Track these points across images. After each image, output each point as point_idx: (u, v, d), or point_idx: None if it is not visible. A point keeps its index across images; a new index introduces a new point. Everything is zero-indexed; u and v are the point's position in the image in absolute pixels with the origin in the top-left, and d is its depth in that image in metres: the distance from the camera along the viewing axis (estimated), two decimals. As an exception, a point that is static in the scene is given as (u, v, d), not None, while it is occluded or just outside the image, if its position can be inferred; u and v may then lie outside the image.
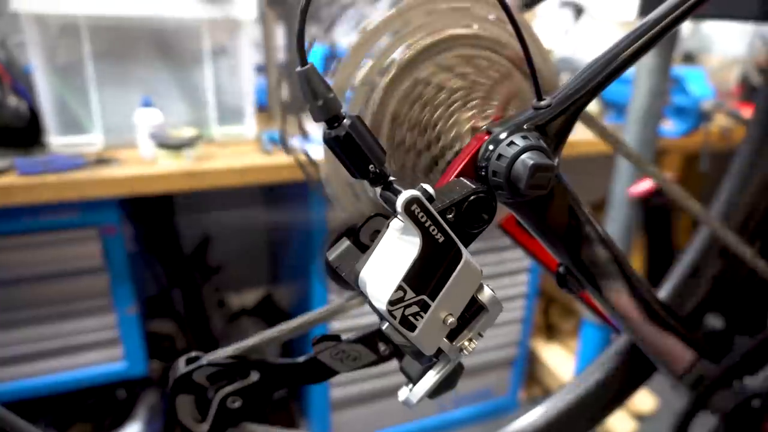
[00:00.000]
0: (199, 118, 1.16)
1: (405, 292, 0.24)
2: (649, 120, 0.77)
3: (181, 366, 0.39)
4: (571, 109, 0.31)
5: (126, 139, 1.09)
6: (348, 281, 0.27)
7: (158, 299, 1.51)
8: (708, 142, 1.34)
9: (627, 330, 0.42)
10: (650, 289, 0.40)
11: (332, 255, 0.27)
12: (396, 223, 0.27)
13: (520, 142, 0.29)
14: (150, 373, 1.28)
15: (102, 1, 0.99)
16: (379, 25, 0.32)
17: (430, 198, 0.26)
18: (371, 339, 0.36)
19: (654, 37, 0.31)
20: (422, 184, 0.26)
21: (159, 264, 1.46)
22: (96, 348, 1.13)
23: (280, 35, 1.37)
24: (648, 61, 0.73)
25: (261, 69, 1.40)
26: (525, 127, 0.30)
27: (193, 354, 0.39)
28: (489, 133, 0.31)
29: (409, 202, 0.24)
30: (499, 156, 0.29)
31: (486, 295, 0.26)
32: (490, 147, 0.30)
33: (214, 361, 0.38)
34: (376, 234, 0.30)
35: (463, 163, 0.30)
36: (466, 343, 0.26)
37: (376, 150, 0.25)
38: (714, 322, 0.53)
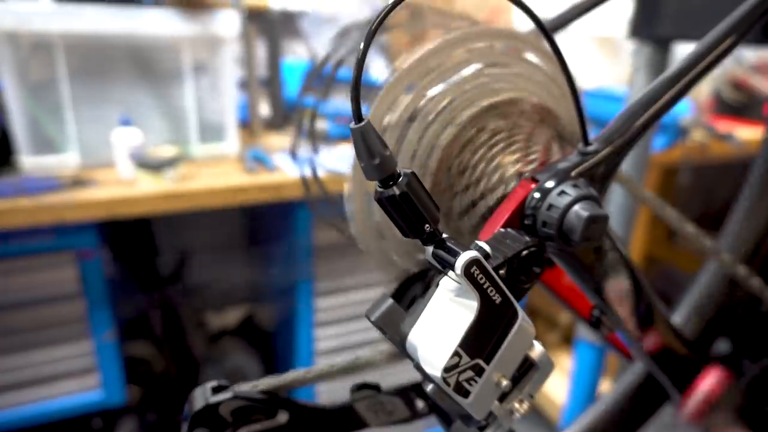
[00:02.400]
0: (179, 136, 1.13)
1: (460, 357, 0.22)
2: (641, 142, 0.77)
3: (207, 395, 0.34)
4: (617, 153, 0.30)
5: (103, 159, 1.05)
6: (393, 343, 0.25)
7: (135, 321, 1.45)
8: (688, 156, 1.37)
9: (648, 363, 0.41)
10: (671, 324, 0.40)
11: (374, 315, 0.25)
12: (448, 283, 0.25)
13: (571, 192, 0.28)
14: (127, 400, 1.22)
15: (77, 18, 0.95)
16: (418, 65, 0.31)
17: (486, 256, 0.24)
18: (408, 394, 0.34)
19: (696, 76, 0.30)
20: (478, 242, 0.25)
21: (137, 286, 1.41)
22: (71, 377, 1.08)
23: (261, 51, 1.34)
24: (641, 83, 0.74)
25: (242, 84, 1.37)
26: (573, 174, 0.29)
27: (218, 383, 0.36)
28: (535, 180, 0.30)
29: (470, 265, 0.22)
30: (550, 206, 0.28)
31: (537, 352, 0.25)
32: (537, 195, 0.29)
33: (245, 394, 0.34)
34: (411, 282, 0.28)
35: (510, 213, 0.28)
36: (517, 405, 0.25)
37: (431, 208, 0.24)
38: (722, 346, 0.52)
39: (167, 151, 1.06)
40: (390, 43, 1.52)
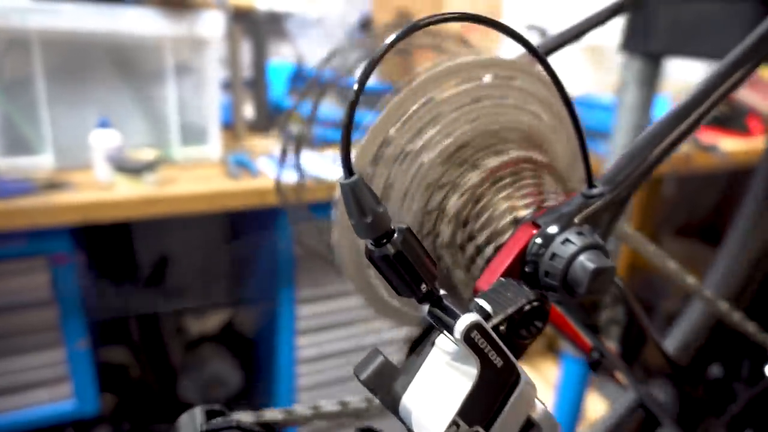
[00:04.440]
0: (160, 138, 1.09)
1: (458, 426, 0.20)
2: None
3: (198, 421, 0.31)
4: (623, 196, 0.29)
5: (80, 162, 1.01)
6: (385, 404, 0.23)
7: (112, 326, 1.41)
8: (673, 167, 1.37)
9: (644, 395, 0.40)
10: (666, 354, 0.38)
11: (364, 374, 0.23)
12: (444, 342, 0.23)
13: (576, 241, 0.26)
14: (101, 409, 1.19)
15: (55, 15, 0.91)
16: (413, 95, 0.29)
17: (487, 316, 0.23)
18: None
19: (710, 106, 0.29)
20: (477, 300, 0.23)
21: (114, 290, 1.37)
22: (42, 386, 1.04)
23: (246, 52, 1.32)
24: (630, 98, 0.73)
25: (226, 86, 1.34)
26: (577, 220, 0.28)
27: (210, 407, 0.33)
28: (536, 225, 0.28)
29: (470, 329, 0.20)
30: (553, 255, 0.26)
31: (539, 412, 0.23)
32: (539, 242, 0.27)
33: (247, 425, 0.31)
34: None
35: (510, 261, 0.26)
36: (517, 468, 0.23)
37: (428, 265, 0.22)
38: (714, 370, 0.51)
39: (147, 154, 1.03)
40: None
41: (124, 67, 1.04)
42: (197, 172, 1.08)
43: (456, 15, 0.23)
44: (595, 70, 1.69)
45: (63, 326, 1.01)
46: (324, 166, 1.11)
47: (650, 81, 0.72)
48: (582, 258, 0.26)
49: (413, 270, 0.22)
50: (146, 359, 1.44)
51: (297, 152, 0.42)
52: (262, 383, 1.43)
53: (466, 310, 0.22)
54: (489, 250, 0.30)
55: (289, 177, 0.42)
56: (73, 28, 0.94)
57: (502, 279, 0.27)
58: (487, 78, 0.30)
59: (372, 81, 0.28)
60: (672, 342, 0.50)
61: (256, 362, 1.50)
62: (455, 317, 0.21)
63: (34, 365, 1.02)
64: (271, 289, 1.24)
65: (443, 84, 0.29)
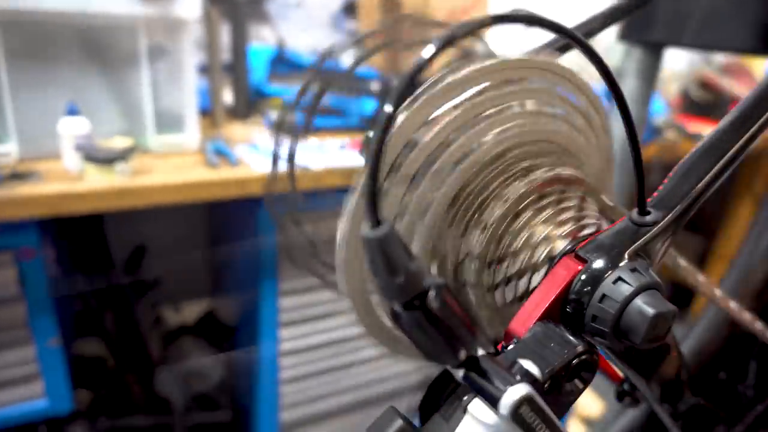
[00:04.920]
0: (133, 126, 1.04)
1: None
2: (628, 154, 0.74)
3: None
4: (677, 222, 0.25)
5: (48, 150, 0.96)
6: None
7: (85, 318, 1.37)
8: (661, 156, 1.36)
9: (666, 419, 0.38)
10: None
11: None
12: (479, 411, 0.20)
13: (631, 280, 0.23)
14: (77, 404, 1.15)
15: (17, -7, 0.85)
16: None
17: (534, 380, 0.19)
18: None
19: (753, 135, 0.26)
20: (522, 362, 0.20)
21: (88, 282, 1.32)
22: (12, 385, 0.99)
23: (225, 35, 1.26)
24: (628, 89, 0.70)
25: (203, 70, 1.28)
26: (628, 253, 0.24)
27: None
28: (581, 259, 0.24)
29: (519, 404, 0.17)
30: (603, 297, 0.23)
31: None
32: (584, 278, 0.23)
33: None
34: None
35: (549, 302, 0.23)
36: None
37: (467, 326, 0.18)
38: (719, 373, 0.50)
39: (119, 142, 0.98)
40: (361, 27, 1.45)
41: (94, 50, 0.98)
42: (173, 161, 1.03)
43: (497, 17, 0.19)
44: (584, 58, 1.66)
45: (32, 323, 0.96)
46: (314, 154, 1.07)
47: (650, 72, 0.69)
48: (639, 302, 0.22)
49: (451, 334, 0.18)
50: (123, 353, 1.39)
51: (291, 142, 0.38)
52: (243, 376, 1.40)
53: (509, 373, 0.18)
54: (522, 283, 0.26)
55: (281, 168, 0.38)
56: (38, 7, 0.88)
57: (542, 324, 0.23)
58: (521, 82, 0.27)
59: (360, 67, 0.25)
60: (684, 348, 0.48)
61: (237, 354, 1.47)
62: (499, 386, 0.18)
63: (2, 364, 0.97)
64: (252, 280, 1.21)
65: (474, 85, 0.25)
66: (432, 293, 0.18)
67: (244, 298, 1.33)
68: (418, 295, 0.18)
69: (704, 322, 0.49)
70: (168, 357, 1.44)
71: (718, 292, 0.43)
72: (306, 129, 0.36)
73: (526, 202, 0.27)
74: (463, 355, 0.19)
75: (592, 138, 0.30)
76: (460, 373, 0.19)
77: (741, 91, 1.71)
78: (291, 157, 0.35)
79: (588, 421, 1.64)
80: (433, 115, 0.24)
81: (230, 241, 1.41)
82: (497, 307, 0.27)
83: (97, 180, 0.90)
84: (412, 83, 0.18)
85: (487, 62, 0.24)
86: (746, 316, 0.44)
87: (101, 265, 1.36)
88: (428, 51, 0.18)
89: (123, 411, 1.32)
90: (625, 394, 0.31)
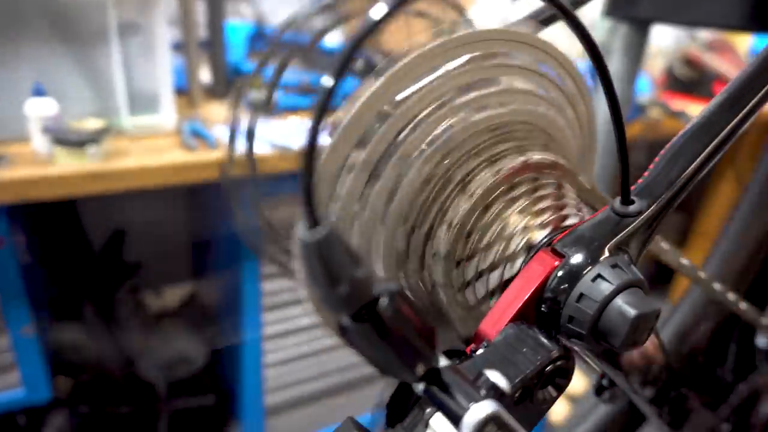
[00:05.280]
0: (105, 107, 1.00)
1: None
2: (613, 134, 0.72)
3: None
4: (663, 211, 0.23)
5: (14, 133, 0.92)
6: None
7: (63, 302, 1.34)
8: (645, 135, 1.36)
9: (648, 410, 0.37)
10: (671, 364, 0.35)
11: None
12: (440, 424, 0.18)
13: (611, 278, 0.21)
14: (56, 393, 1.12)
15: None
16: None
17: (502, 397, 0.18)
18: None
19: (745, 116, 0.24)
20: (488, 373, 0.18)
21: (65, 268, 1.29)
22: (-14, 375, 0.97)
23: (200, 9, 1.21)
24: (614, 67, 0.68)
25: (178, 47, 1.24)
26: (610, 247, 0.22)
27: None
28: (558, 254, 0.22)
29: (484, 424, 0.16)
30: (581, 297, 0.21)
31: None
32: (561, 275, 0.21)
33: None
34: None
35: (521, 302, 0.21)
36: None
37: (425, 337, 0.16)
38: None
39: (91, 124, 0.94)
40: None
41: (61, 26, 0.94)
42: (148, 143, 1.00)
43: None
44: (567, 34, 1.63)
45: (5, 313, 0.93)
46: (291, 135, 1.04)
47: (636, 49, 0.67)
48: (619, 301, 0.20)
49: (407, 346, 0.16)
50: (103, 338, 1.37)
51: (250, 121, 0.35)
52: (227, 360, 1.39)
53: (473, 386, 0.17)
54: (494, 277, 0.24)
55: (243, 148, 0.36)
56: (-3, -20, 0.84)
57: (514, 326, 0.21)
58: (496, 57, 0.25)
59: (336, 42, 0.22)
60: (666, 333, 0.47)
61: (220, 338, 1.45)
62: (462, 403, 0.16)
63: (-25, 354, 0.95)
64: (234, 263, 1.19)
65: (442, 61, 0.23)
66: (383, 301, 0.16)
67: (227, 282, 1.31)
68: (366, 305, 0.16)
69: (686, 305, 0.48)
70: (150, 342, 1.42)
71: (701, 274, 0.42)
72: (267, 106, 0.33)
73: (495, 194, 0.24)
74: (421, 369, 0.17)
75: (573, 118, 0.28)
76: (420, 387, 0.18)
77: (725, 68, 1.70)
78: (250, 137, 0.32)
79: (572, 399, 1.66)
80: (398, 96, 0.22)
81: (211, 224, 1.38)
82: (469, 305, 0.25)
83: (67, 164, 0.86)
84: (356, 48, 0.15)
85: (456, 35, 0.22)
86: (730, 297, 0.44)
87: (78, 251, 1.32)
88: (378, 11, 0.16)
89: (105, 398, 1.30)
90: (603, 389, 0.30)
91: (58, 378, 1.24)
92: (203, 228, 1.50)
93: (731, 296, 0.37)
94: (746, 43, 1.83)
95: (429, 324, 0.17)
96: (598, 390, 0.30)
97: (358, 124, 0.21)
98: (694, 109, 1.55)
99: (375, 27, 0.15)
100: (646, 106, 1.37)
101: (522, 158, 0.25)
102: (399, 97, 0.22)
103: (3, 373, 0.98)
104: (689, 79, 1.81)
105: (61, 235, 1.26)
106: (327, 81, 0.15)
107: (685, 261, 0.41)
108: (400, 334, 0.16)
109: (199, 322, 1.49)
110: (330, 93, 0.15)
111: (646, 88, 1.41)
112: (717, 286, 0.42)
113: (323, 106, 0.15)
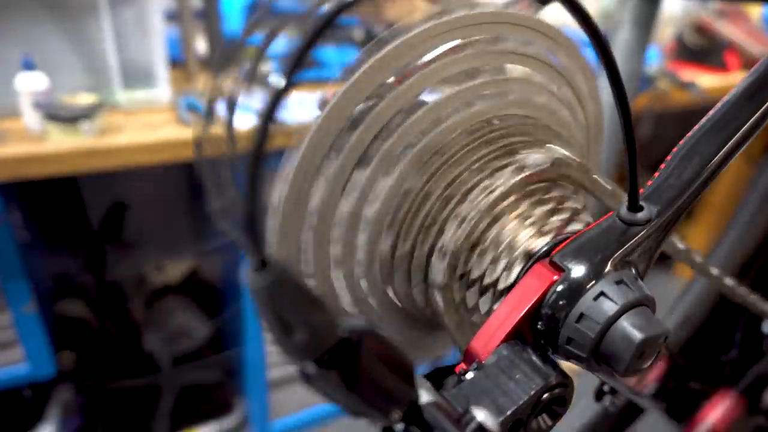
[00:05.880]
0: (98, 81, 0.98)
1: None
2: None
3: None
4: (674, 218, 0.21)
5: (5, 109, 0.90)
6: None
7: (65, 278, 1.34)
8: (652, 107, 1.32)
9: (648, 404, 0.36)
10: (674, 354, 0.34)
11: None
12: None
13: (616, 297, 0.19)
14: (60, 367, 1.13)
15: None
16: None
17: None
18: None
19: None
20: (475, 412, 0.16)
21: (66, 244, 1.28)
22: (-11, 352, 0.97)
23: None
24: (623, 39, 0.65)
25: (172, 17, 1.20)
26: (615, 259, 0.20)
27: None
28: (557, 267, 0.20)
29: None
30: (581, 317, 0.19)
31: None
32: (561, 290, 0.19)
33: None
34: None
35: (515, 321, 0.19)
36: None
37: (401, 377, 0.15)
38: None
39: (84, 99, 0.92)
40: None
41: (49, -3, 0.91)
42: (143, 118, 0.98)
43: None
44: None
45: (5, 291, 0.93)
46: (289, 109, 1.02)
47: (647, 21, 0.64)
48: (624, 323, 0.18)
49: (379, 391, 0.15)
50: (106, 313, 1.37)
51: (230, 95, 0.33)
52: (229, 334, 1.39)
53: (458, 426, 0.15)
54: (489, 287, 0.22)
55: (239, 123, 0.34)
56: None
57: (508, 346, 0.19)
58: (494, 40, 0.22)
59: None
60: (671, 321, 0.46)
61: (222, 313, 1.46)
62: None
63: (-23, 331, 0.95)
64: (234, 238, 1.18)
65: (432, 46, 0.21)
66: (349, 344, 0.14)
67: (228, 256, 1.30)
68: (331, 349, 0.14)
69: (691, 294, 0.47)
70: (153, 317, 1.42)
71: (713, 270, 0.40)
72: (251, 78, 0.31)
73: (515, 195, 0.23)
74: (396, 416, 0.15)
75: (579, 110, 0.26)
76: (399, 427, 0.16)
77: (737, 36, 1.65)
78: (230, 111, 0.30)
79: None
80: (381, 83, 0.20)
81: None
82: (468, 309, 0.24)
83: (60, 140, 0.84)
84: (308, 48, 0.13)
85: (446, 18, 0.20)
86: (741, 292, 0.42)
87: (77, 227, 1.31)
88: (333, 3, 0.14)
89: (109, 372, 1.31)
90: (604, 394, 0.28)
91: (62, 352, 1.24)
92: (204, 202, 1.48)
93: (742, 290, 0.36)
94: (759, 9, 1.77)
95: (406, 359, 0.15)
96: (598, 395, 0.28)
97: (326, 130, 0.19)
98: (705, 80, 1.51)
99: (329, 24, 0.14)
100: (654, 76, 1.33)
101: (548, 155, 0.23)
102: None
103: (7, 349, 0.98)
104: (700, 47, 1.76)
105: (60, 212, 1.25)
106: (277, 82, 0.13)
107: (697, 257, 0.39)
108: (371, 378, 0.14)
109: (201, 297, 1.49)
110: (279, 96, 0.13)
111: (655, 57, 1.36)
112: (729, 281, 0.40)
113: (271, 112, 0.13)
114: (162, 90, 1.03)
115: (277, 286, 0.13)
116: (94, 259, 1.33)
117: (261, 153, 0.13)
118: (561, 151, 0.24)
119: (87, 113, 0.86)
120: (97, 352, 1.32)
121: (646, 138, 1.88)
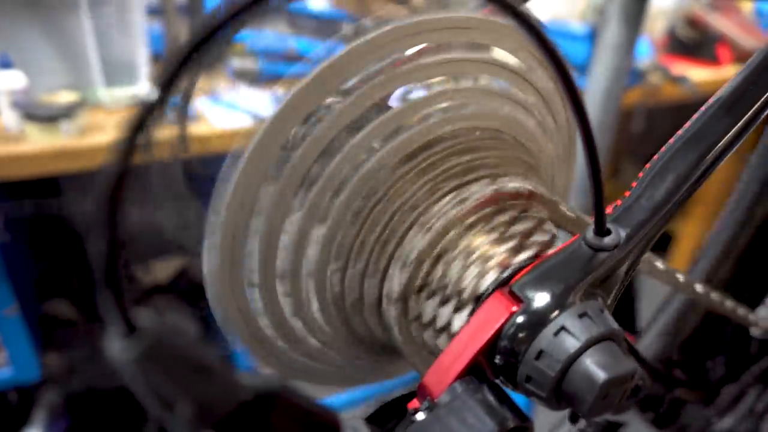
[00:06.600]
0: (79, 79, 0.95)
1: None
2: (609, 104, 0.68)
3: None
4: (647, 244, 0.19)
5: (-18, 108, 0.87)
6: None
7: (50, 278, 1.32)
8: (644, 102, 1.31)
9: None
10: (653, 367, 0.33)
11: None
12: None
13: (577, 331, 0.17)
14: (47, 369, 1.12)
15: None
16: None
17: None
18: None
19: (747, 123, 0.20)
20: None
21: (49, 247, 1.26)
22: (-28, 356, 0.96)
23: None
24: (611, 35, 0.64)
25: (155, 12, 1.18)
26: (577, 292, 0.18)
27: None
28: (516, 298, 0.18)
29: None
30: (540, 353, 0.17)
31: None
32: (519, 322, 0.18)
33: None
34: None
35: (469, 358, 0.18)
36: None
37: None
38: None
39: (64, 98, 0.90)
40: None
41: (26, -8, 0.88)
42: (126, 116, 0.95)
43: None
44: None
45: (-15, 293, 0.91)
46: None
47: (635, 18, 0.62)
48: (587, 361, 0.17)
49: None
50: (92, 314, 1.36)
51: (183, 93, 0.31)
52: (220, 334, 1.38)
53: None
54: (444, 316, 0.20)
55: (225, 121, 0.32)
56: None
57: (462, 384, 0.18)
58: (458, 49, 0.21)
59: (323, 6, 0.18)
60: (655, 330, 0.45)
61: (211, 313, 1.44)
62: None
63: (-42, 335, 0.93)
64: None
65: (377, 58, 0.19)
66: (256, 406, 0.12)
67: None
68: (231, 415, 0.12)
69: (674, 303, 0.46)
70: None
71: (698, 288, 0.39)
72: (216, 71, 0.29)
73: (456, 230, 0.21)
74: None
75: (548, 119, 0.24)
76: None
77: (729, 29, 1.64)
78: (182, 110, 0.28)
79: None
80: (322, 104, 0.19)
81: (201, 196, 1.35)
82: (425, 343, 0.22)
83: (39, 140, 0.82)
84: (183, 65, 0.12)
85: (390, 26, 0.18)
86: (727, 305, 0.41)
87: (61, 227, 1.29)
88: (209, 22, 0.12)
89: (96, 373, 1.29)
90: (578, 418, 0.27)
91: (48, 355, 1.23)
92: (193, 204, 1.46)
93: (728, 304, 0.34)
94: (751, 3, 1.76)
95: (328, 414, 0.14)
96: (573, 418, 0.27)
97: (263, 153, 0.18)
98: (696, 74, 1.50)
99: (211, 37, 0.12)
100: (645, 71, 1.32)
101: (492, 187, 0.21)
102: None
103: (-12, 354, 0.97)
104: (692, 40, 1.75)
105: (42, 211, 1.23)
106: (150, 94, 0.12)
107: (679, 275, 0.37)
108: None
109: (191, 297, 1.48)
110: (150, 110, 0.12)
111: (646, 51, 1.35)
112: (714, 296, 0.39)
113: (137, 130, 0.12)
114: (145, 87, 1.00)
115: (151, 356, 0.11)
116: (78, 259, 1.31)
117: (121, 185, 0.11)
118: (505, 180, 0.22)
119: (66, 112, 0.84)
120: (84, 354, 1.31)
121: (638, 133, 1.88)
